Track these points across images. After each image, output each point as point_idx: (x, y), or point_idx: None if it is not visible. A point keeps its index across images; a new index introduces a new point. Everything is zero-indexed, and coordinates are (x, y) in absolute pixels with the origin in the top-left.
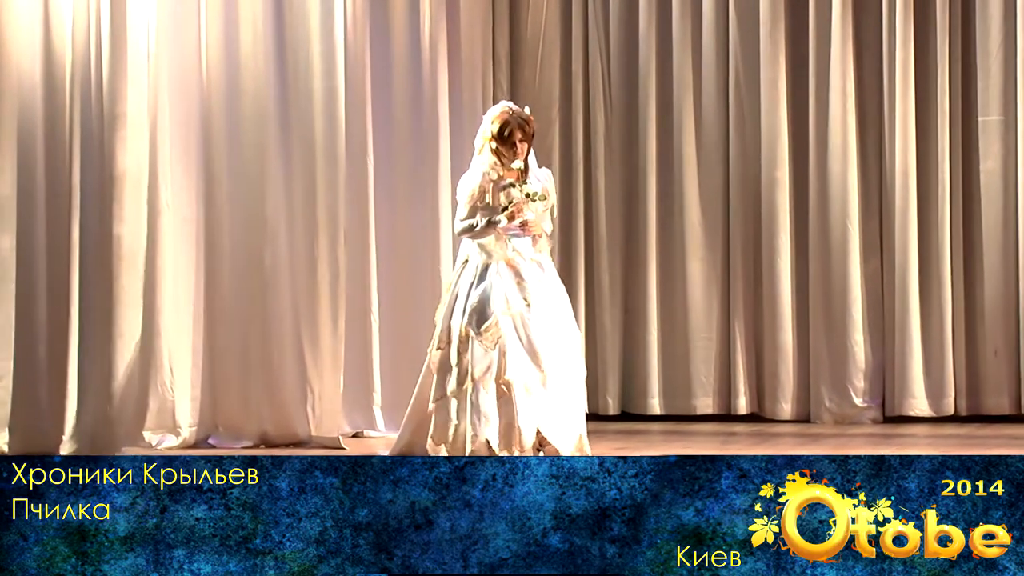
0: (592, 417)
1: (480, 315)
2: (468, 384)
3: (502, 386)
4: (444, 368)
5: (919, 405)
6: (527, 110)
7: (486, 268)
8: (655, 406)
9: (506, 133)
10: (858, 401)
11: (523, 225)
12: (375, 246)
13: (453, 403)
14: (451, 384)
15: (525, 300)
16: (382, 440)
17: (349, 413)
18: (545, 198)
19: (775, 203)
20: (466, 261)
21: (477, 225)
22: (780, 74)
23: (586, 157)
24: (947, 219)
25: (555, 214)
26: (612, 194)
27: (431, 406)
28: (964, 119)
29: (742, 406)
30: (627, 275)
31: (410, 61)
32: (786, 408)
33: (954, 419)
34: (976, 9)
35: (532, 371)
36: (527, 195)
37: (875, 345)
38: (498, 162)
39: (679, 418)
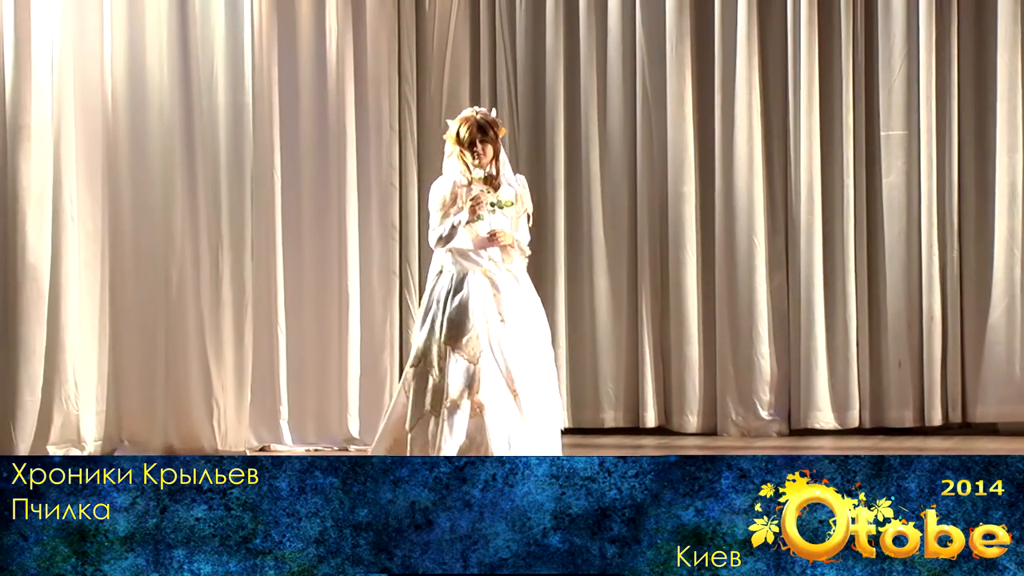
0: None
1: (459, 328)
2: (446, 403)
3: (475, 406)
4: (421, 387)
5: (824, 418)
6: (494, 112)
7: (463, 278)
8: (563, 419)
9: (465, 136)
10: (764, 414)
11: (492, 236)
12: (282, 260)
13: (431, 423)
14: (427, 403)
15: (500, 314)
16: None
17: (255, 427)
18: (512, 204)
19: (681, 217)
20: (440, 272)
21: (445, 232)
22: (686, 89)
23: None
24: (851, 233)
25: (531, 222)
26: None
27: (409, 426)
28: (868, 134)
29: (650, 419)
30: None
31: (316, 75)
32: (693, 421)
33: (859, 431)
34: (879, 25)
35: (505, 392)
36: (491, 203)
37: (780, 358)
38: (466, 167)
39: (586, 431)
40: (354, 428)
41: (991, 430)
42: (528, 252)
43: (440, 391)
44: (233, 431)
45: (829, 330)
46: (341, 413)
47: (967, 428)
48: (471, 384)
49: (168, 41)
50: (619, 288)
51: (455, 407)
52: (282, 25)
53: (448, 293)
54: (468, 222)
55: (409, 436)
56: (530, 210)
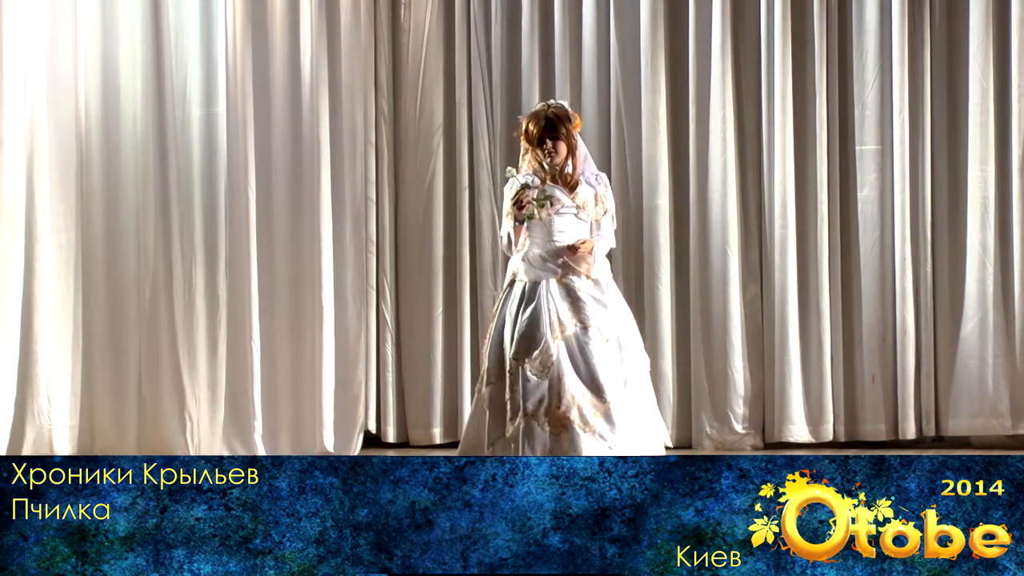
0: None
1: (529, 340)
2: (520, 420)
3: (558, 421)
4: (496, 405)
5: (798, 431)
6: (566, 104)
7: (535, 288)
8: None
9: (534, 133)
10: (738, 427)
11: (573, 248)
12: (256, 273)
13: (512, 442)
14: (505, 422)
15: (581, 322)
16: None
17: (228, 440)
18: (546, 201)
19: (655, 230)
20: (512, 282)
21: (504, 239)
22: (660, 103)
23: (470, 184)
24: (825, 247)
25: (615, 223)
26: (496, 219)
27: (487, 446)
28: (841, 148)
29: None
30: None
31: (291, 87)
32: (667, 434)
33: (832, 445)
34: (852, 41)
35: (592, 402)
36: (536, 200)
37: (755, 372)
38: (539, 166)
39: None
40: (328, 442)
41: (963, 443)
42: (606, 257)
43: (516, 408)
44: (206, 444)
45: (803, 344)
46: (315, 427)
47: (940, 442)
48: (550, 399)
49: (141, 54)
50: None
51: (532, 424)
52: (256, 37)
53: (520, 305)
54: (518, 223)
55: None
56: (612, 211)
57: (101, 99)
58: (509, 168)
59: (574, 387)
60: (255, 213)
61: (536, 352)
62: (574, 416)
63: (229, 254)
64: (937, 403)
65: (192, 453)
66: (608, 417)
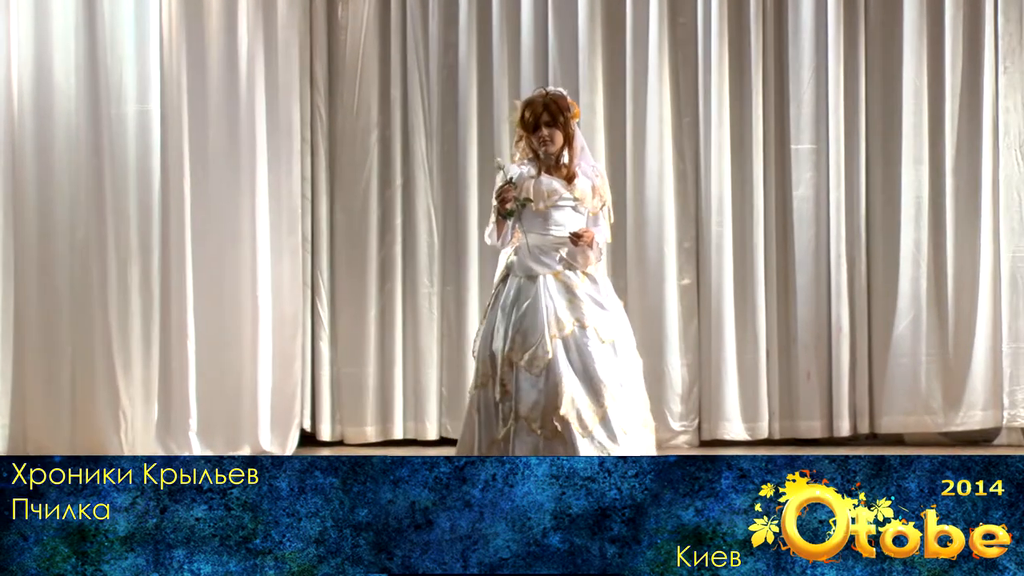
0: (412, 442)
1: (524, 338)
2: (512, 423)
3: (555, 423)
4: (487, 407)
5: (734, 429)
6: (563, 90)
7: (531, 283)
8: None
9: (529, 120)
10: (674, 424)
11: (575, 238)
12: (191, 271)
13: (506, 445)
14: (499, 424)
15: (579, 321)
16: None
17: (163, 438)
18: (529, 200)
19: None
20: (504, 277)
21: (490, 231)
22: (598, 100)
23: (405, 182)
24: (761, 245)
25: (612, 218)
26: (432, 218)
27: (480, 450)
28: (778, 147)
29: None
30: (445, 299)
31: (226, 84)
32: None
33: (768, 442)
34: (789, 38)
35: (590, 405)
36: (517, 200)
37: (691, 369)
38: (534, 155)
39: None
40: (265, 440)
41: (897, 440)
42: (599, 254)
43: (509, 410)
44: (141, 443)
45: (739, 341)
46: (252, 424)
47: (874, 439)
48: (547, 400)
49: (75, 49)
50: None
51: (528, 426)
52: (191, 33)
53: (513, 301)
54: (501, 218)
55: None
56: (609, 204)
57: (34, 95)
58: (498, 159)
59: (572, 389)
60: (190, 210)
61: (531, 350)
62: (572, 419)
63: (164, 252)
64: (871, 400)
65: (126, 452)
66: (605, 422)
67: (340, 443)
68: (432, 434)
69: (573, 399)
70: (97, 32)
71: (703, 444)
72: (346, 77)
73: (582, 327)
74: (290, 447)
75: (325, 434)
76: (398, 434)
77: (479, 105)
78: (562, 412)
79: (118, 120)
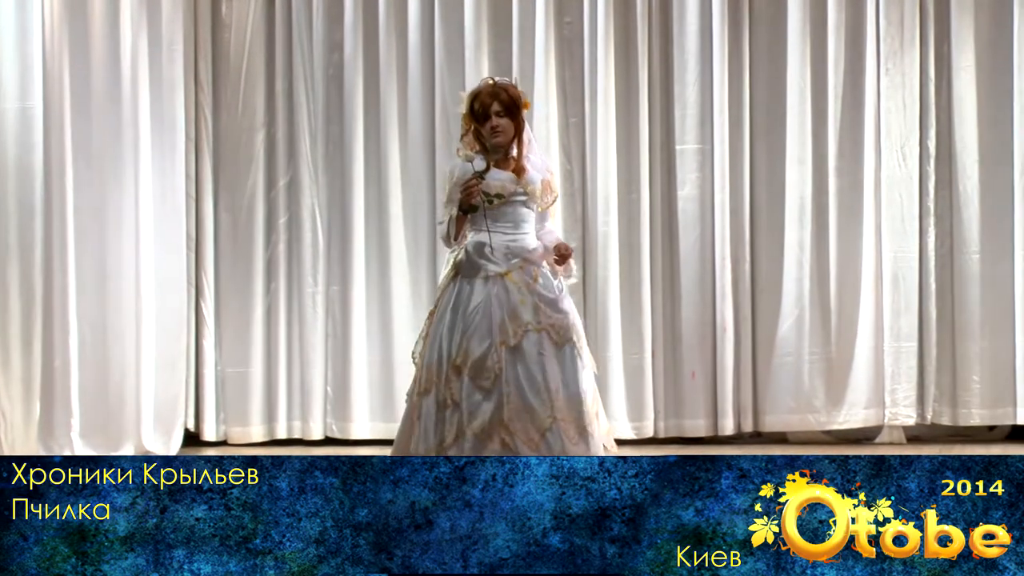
0: (298, 442)
1: (473, 344)
2: (466, 438)
3: (503, 436)
4: (431, 415)
5: (620, 428)
6: (515, 79)
7: (482, 283)
8: (365, 430)
9: (478, 109)
10: None
11: (561, 253)
12: (74, 270)
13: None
14: (444, 435)
15: (531, 324)
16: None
17: (45, 439)
18: (501, 196)
19: None
20: (453, 277)
21: (444, 230)
22: None
23: (290, 182)
24: (647, 244)
25: (552, 216)
26: (317, 217)
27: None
28: (663, 147)
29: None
30: (331, 299)
31: (110, 81)
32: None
33: (653, 441)
34: (674, 39)
35: (536, 416)
36: (488, 196)
37: None
38: (481, 147)
39: (386, 442)
40: (148, 440)
41: (781, 439)
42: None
43: (458, 421)
44: (21, 443)
45: (625, 341)
46: (135, 425)
47: (758, 437)
48: (495, 411)
49: None
50: (418, 289)
51: (479, 438)
52: (73, 30)
53: (463, 303)
54: (462, 212)
55: None
56: (558, 199)
57: None
58: (466, 151)
59: (521, 398)
60: (72, 208)
61: (480, 359)
62: (519, 430)
63: (46, 250)
64: (756, 399)
65: (6, 452)
66: (554, 431)
67: (224, 443)
68: (317, 434)
69: (518, 411)
70: None
71: None
72: (231, 76)
73: (536, 331)
74: (174, 447)
75: (210, 434)
76: (283, 434)
77: (364, 105)
78: (507, 424)
79: None
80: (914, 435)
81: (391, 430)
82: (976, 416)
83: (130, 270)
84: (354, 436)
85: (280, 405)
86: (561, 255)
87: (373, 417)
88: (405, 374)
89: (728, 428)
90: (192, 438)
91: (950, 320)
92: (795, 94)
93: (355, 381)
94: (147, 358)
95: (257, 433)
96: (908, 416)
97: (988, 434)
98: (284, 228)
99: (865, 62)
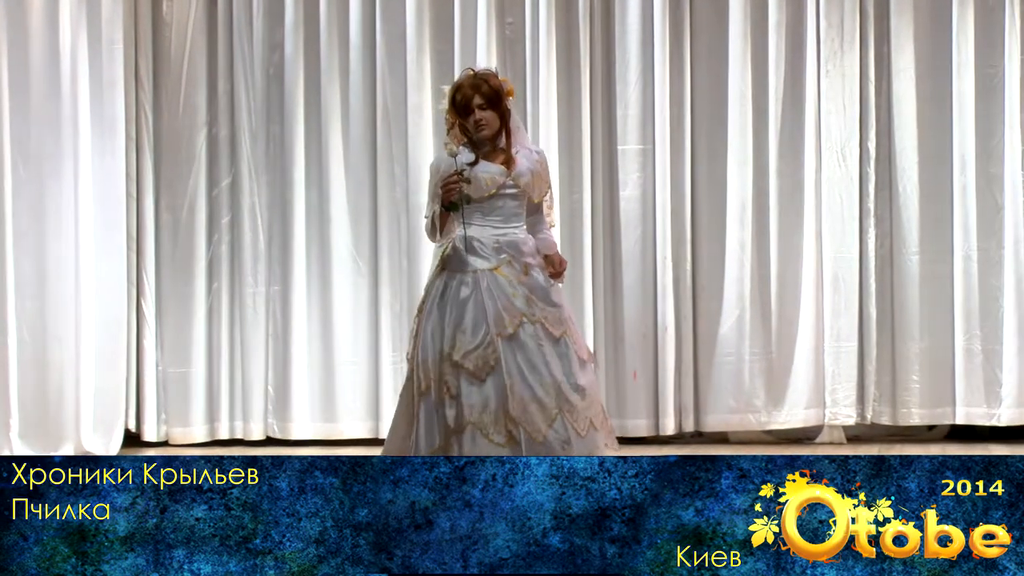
0: (239, 442)
1: (467, 338)
2: (463, 431)
3: (508, 427)
4: (431, 416)
5: None
6: (493, 69)
7: (472, 277)
8: (306, 431)
9: (460, 101)
10: None
11: (554, 267)
12: (13, 269)
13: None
14: (438, 432)
15: (524, 316)
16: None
17: None
18: (481, 189)
19: (419, 228)
20: (440, 271)
21: (428, 226)
22: (425, 101)
23: (232, 183)
24: (589, 244)
25: (555, 207)
26: (259, 217)
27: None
28: (605, 147)
29: (385, 429)
30: (272, 299)
31: (49, 80)
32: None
33: None
34: (616, 40)
35: (542, 406)
36: (460, 196)
37: None
38: (468, 141)
39: (329, 443)
40: (88, 440)
41: (722, 439)
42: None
43: (457, 416)
44: None
45: None
46: (75, 425)
47: (699, 437)
48: (496, 405)
49: None
50: (360, 290)
51: (475, 433)
52: (12, 28)
53: (453, 298)
54: (445, 209)
55: None
56: (552, 189)
57: None
58: (451, 146)
59: (522, 390)
60: (12, 206)
61: (476, 352)
62: (523, 423)
63: None
64: (697, 399)
65: None
66: (558, 423)
67: (165, 443)
68: (258, 434)
69: (524, 401)
70: None
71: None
72: (172, 75)
73: (532, 322)
74: (114, 447)
75: (150, 434)
76: (224, 434)
77: (306, 105)
78: (512, 415)
79: None
80: (854, 435)
81: (332, 430)
82: (916, 416)
83: (69, 270)
84: (295, 436)
85: (222, 405)
86: (555, 272)
87: (314, 418)
88: (346, 374)
89: (669, 428)
90: (133, 438)
91: (890, 320)
92: (736, 95)
93: (296, 381)
94: (87, 358)
95: (199, 433)
96: (848, 416)
97: (927, 434)
98: (227, 228)
99: (805, 63)
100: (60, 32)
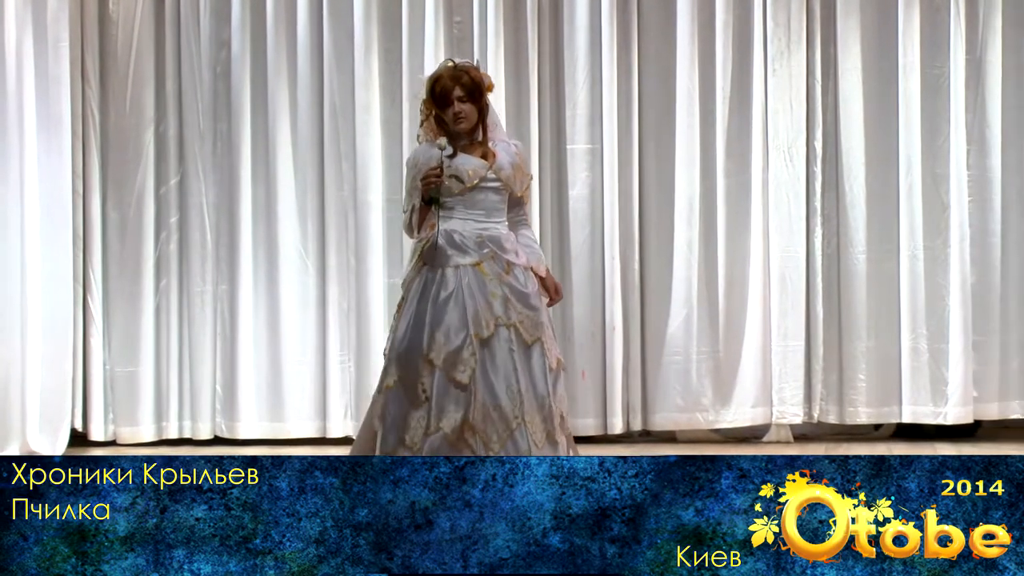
0: (187, 442)
1: (446, 338)
2: (435, 435)
3: (468, 437)
4: (398, 413)
5: None
6: (476, 61)
7: (452, 275)
8: (254, 430)
9: (439, 92)
10: None
11: (551, 292)
12: None
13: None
14: (408, 436)
15: (500, 319)
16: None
17: None
18: (463, 183)
19: (368, 226)
20: (420, 266)
21: (406, 220)
22: (373, 99)
23: (180, 182)
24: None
25: (528, 200)
26: (206, 216)
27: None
28: (554, 146)
29: (335, 429)
30: (219, 298)
31: None
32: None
33: None
34: (564, 39)
35: (503, 415)
36: (439, 189)
37: None
38: (440, 131)
39: (276, 442)
40: (34, 439)
41: (670, 438)
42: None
43: (425, 418)
44: None
45: None
46: (20, 424)
47: (647, 436)
48: (465, 410)
49: None
50: (307, 289)
51: (447, 439)
52: None
53: (432, 295)
54: (424, 203)
55: None
56: (530, 181)
57: None
58: (440, 139)
59: (488, 398)
60: None
61: (454, 352)
62: (482, 429)
63: None
64: (644, 398)
65: None
66: (520, 430)
67: (113, 443)
68: (206, 433)
69: (486, 408)
70: None
71: None
72: (119, 72)
73: (506, 327)
74: (60, 446)
75: (98, 434)
76: (173, 433)
77: (252, 103)
78: (472, 423)
79: None
80: (801, 433)
81: (279, 430)
82: (863, 415)
83: (15, 268)
84: (242, 436)
85: (170, 405)
86: (552, 301)
87: (261, 417)
88: (293, 374)
89: (617, 427)
90: (80, 438)
91: (836, 319)
92: (683, 95)
93: (243, 381)
94: (33, 357)
95: (146, 433)
96: (795, 415)
97: (874, 433)
98: (175, 227)
99: (752, 63)
100: (5, 31)
